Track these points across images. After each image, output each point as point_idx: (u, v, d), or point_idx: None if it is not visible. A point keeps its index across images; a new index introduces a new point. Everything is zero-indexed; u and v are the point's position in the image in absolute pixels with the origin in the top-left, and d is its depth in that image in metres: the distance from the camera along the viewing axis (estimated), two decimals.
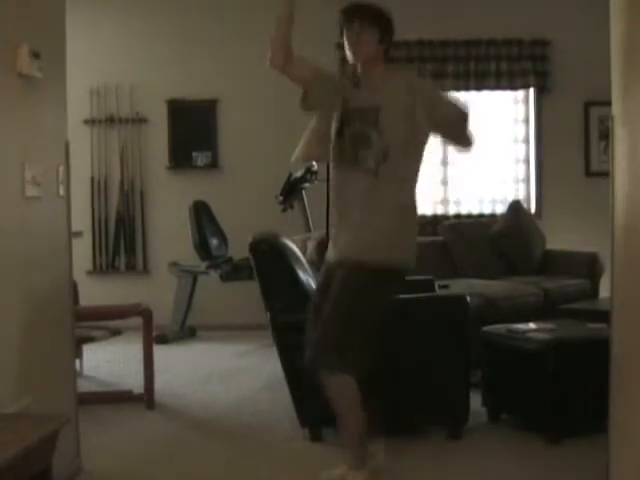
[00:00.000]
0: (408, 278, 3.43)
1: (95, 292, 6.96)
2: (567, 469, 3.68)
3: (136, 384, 5.03)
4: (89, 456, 3.78)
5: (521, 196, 7.76)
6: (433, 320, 4.12)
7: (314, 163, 6.58)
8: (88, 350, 5.62)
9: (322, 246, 5.54)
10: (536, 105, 7.80)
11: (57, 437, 2.80)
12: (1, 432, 2.66)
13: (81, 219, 6.94)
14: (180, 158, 7.79)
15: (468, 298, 4.28)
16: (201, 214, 7.18)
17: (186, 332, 7.25)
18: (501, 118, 7.87)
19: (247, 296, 6.32)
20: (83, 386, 4.82)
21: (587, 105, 7.68)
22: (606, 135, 7.31)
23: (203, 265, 7.12)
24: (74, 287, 4.35)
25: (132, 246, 7.80)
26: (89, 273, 7.69)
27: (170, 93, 7.73)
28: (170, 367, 5.82)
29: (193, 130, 7.82)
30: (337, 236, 3.38)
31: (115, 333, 5.12)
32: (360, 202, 3.27)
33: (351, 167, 3.29)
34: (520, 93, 7.85)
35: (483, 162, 7.81)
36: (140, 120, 7.77)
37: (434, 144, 3.61)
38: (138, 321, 4.92)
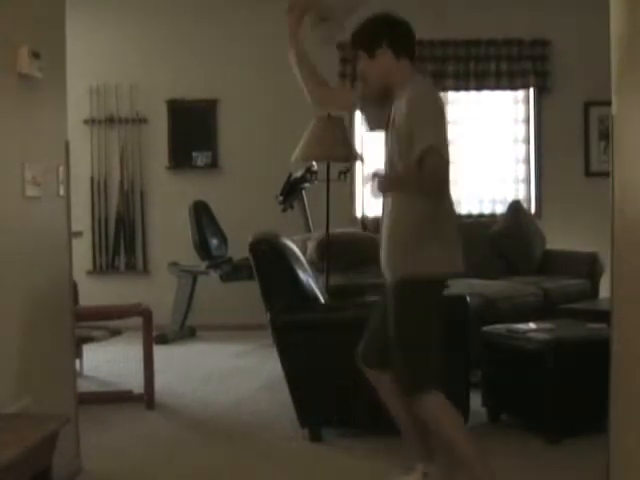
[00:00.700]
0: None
1: (95, 292, 6.96)
2: (567, 469, 3.68)
3: (136, 384, 5.03)
4: (89, 456, 3.78)
5: (521, 196, 7.76)
6: None
7: (314, 163, 6.58)
8: (88, 350, 5.62)
9: (322, 246, 5.55)
10: (536, 105, 7.80)
11: (57, 437, 2.80)
12: (1, 432, 2.66)
13: (81, 219, 6.95)
14: (180, 158, 7.79)
15: (468, 298, 4.28)
16: (201, 214, 7.17)
17: (186, 332, 7.25)
18: (501, 118, 7.87)
19: (247, 296, 6.31)
20: (83, 386, 4.82)
21: (587, 105, 7.68)
22: (606, 135, 7.31)
23: (203, 265, 7.12)
24: (74, 287, 4.35)
25: (132, 246, 7.80)
26: (89, 273, 7.68)
27: (170, 93, 7.73)
28: (170, 367, 5.82)
29: (193, 130, 7.82)
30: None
31: (115, 333, 5.12)
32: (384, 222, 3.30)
33: None
34: (520, 93, 7.84)
35: (483, 162, 7.82)
36: (140, 120, 7.77)
37: None
38: (138, 321, 4.92)
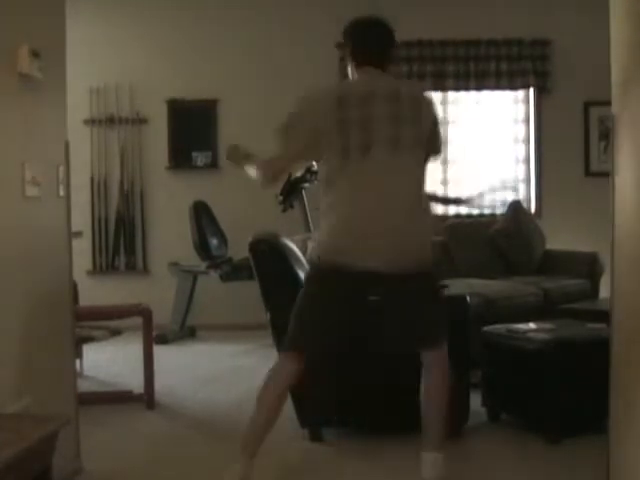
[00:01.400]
0: None
1: (95, 292, 6.96)
2: (567, 469, 3.68)
3: (136, 384, 5.03)
4: (89, 456, 3.77)
5: (521, 196, 7.77)
6: None
7: (314, 163, 6.57)
8: (88, 350, 5.62)
9: None
10: (536, 105, 7.81)
11: (57, 437, 2.80)
12: (1, 432, 2.66)
13: (81, 219, 6.94)
14: (180, 158, 7.79)
15: (468, 298, 4.28)
16: (201, 214, 7.18)
17: (186, 332, 7.25)
18: (501, 118, 7.87)
19: (247, 296, 6.31)
20: (83, 386, 4.82)
21: (587, 105, 7.68)
22: (606, 135, 7.33)
23: (203, 265, 7.12)
24: (74, 287, 4.35)
25: (132, 246, 7.80)
26: (89, 273, 7.69)
27: (170, 93, 7.73)
28: (170, 367, 5.82)
29: (193, 130, 7.82)
30: None
31: (115, 333, 5.11)
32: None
33: None
34: (520, 93, 7.85)
35: (483, 162, 7.82)
36: (140, 120, 7.77)
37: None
38: (138, 321, 4.92)
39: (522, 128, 7.87)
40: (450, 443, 4.05)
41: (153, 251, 7.81)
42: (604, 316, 3.46)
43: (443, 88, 7.71)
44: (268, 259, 4.24)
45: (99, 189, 7.79)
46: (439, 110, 7.69)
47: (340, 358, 3.84)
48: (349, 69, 3.40)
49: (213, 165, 7.77)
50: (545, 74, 7.70)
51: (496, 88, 7.74)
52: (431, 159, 3.40)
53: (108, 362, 6.06)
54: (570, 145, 7.77)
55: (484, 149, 7.84)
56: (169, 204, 7.72)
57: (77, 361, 4.92)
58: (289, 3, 7.65)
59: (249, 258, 4.33)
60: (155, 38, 7.75)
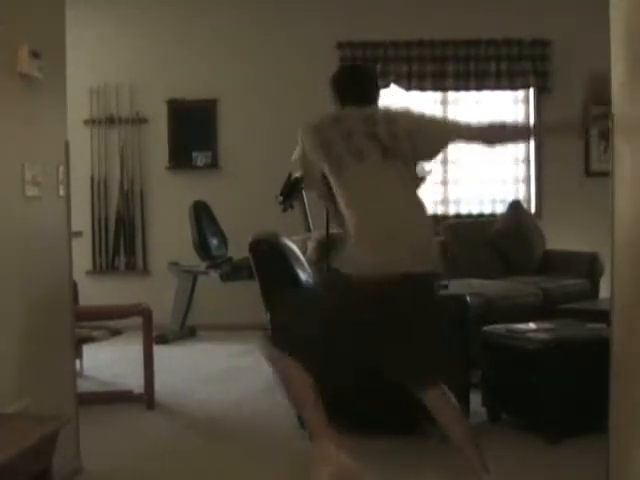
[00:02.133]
0: None
1: (95, 292, 6.96)
2: (567, 469, 3.68)
3: (136, 384, 5.03)
4: (89, 456, 3.78)
5: (521, 196, 7.76)
6: None
7: None
8: (88, 350, 5.62)
9: (322, 246, 5.54)
10: (536, 105, 7.80)
11: (57, 437, 2.80)
12: (1, 432, 2.66)
13: (81, 219, 6.94)
14: (180, 158, 7.79)
15: (468, 298, 4.28)
16: (201, 214, 7.17)
17: (186, 332, 7.25)
18: (501, 118, 7.85)
19: (247, 296, 6.30)
20: (83, 386, 4.82)
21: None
22: (606, 135, 7.31)
23: (203, 265, 7.12)
24: (74, 287, 4.35)
25: (132, 246, 7.80)
26: (89, 273, 7.69)
27: (170, 93, 7.73)
28: (170, 367, 5.82)
29: (193, 130, 7.82)
30: None
31: (115, 333, 5.11)
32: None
33: None
34: (520, 93, 7.85)
35: (483, 162, 7.82)
36: (140, 120, 7.77)
37: None
38: (138, 321, 4.92)
39: None
40: (450, 443, 4.07)
41: (153, 251, 7.80)
42: (604, 316, 3.46)
43: (443, 88, 7.71)
44: (268, 259, 4.24)
45: (99, 189, 7.79)
46: (439, 110, 7.78)
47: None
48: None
49: (213, 165, 7.77)
50: (545, 74, 7.70)
51: (496, 88, 7.74)
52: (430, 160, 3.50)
53: (108, 362, 6.06)
54: (570, 145, 7.76)
55: (484, 149, 7.82)
56: (169, 204, 7.72)
57: (77, 361, 4.91)
58: (289, 3, 7.65)
59: (249, 258, 4.33)
60: (155, 38, 7.74)
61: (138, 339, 4.94)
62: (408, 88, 7.59)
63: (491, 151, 7.79)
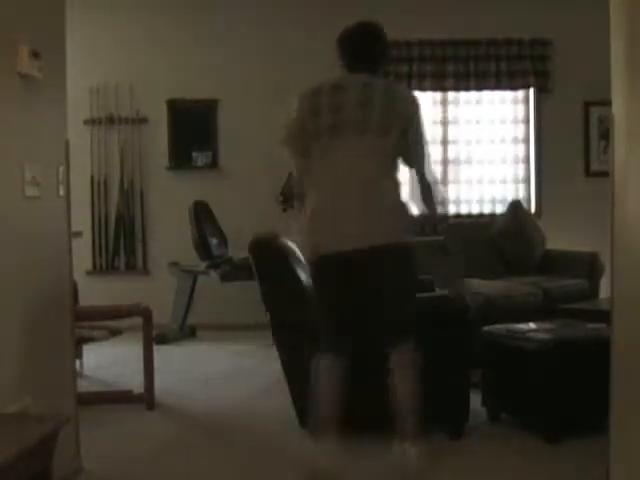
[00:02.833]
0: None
1: (95, 292, 6.95)
2: (567, 469, 3.68)
3: (136, 384, 5.03)
4: (89, 456, 3.77)
5: (521, 196, 7.76)
6: (433, 320, 4.11)
7: None
8: (88, 350, 5.62)
9: None
10: (536, 105, 7.80)
11: (57, 437, 2.80)
12: (1, 432, 2.66)
13: (81, 219, 6.93)
14: (180, 158, 7.79)
15: (468, 298, 4.28)
16: (201, 214, 7.17)
17: (186, 332, 7.25)
18: (501, 118, 7.87)
19: (247, 296, 6.31)
20: (83, 386, 4.82)
21: (587, 105, 7.68)
22: (606, 135, 7.32)
23: (203, 265, 7.11)
24: (74, 287, 4.35)
25: (132, 246, 7.80)
26: (89, 273, 7.69)
27: (170, 93, 7.73)
28: (170, 367, 5.82)
29: (193, 130, 7.82)
30: None
31: (115, 333, 5.11)
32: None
33: None
34: (520, 93, 7.85)
35: (483, 162, 7.82)
36: (140, 120, 7.77)
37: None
38: (138, 321, 4.91)
39: (522, 128, 7.87)
40: (450, 443, 4.07)
41: (153, 251, 7.80)
42: (604, 316, 3.47)
43: (443, 88, 7.71)
44: (268, 259, 4.24)
45: (99, 189, 7.79)
46: (439, 110, 7.79)
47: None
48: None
49: (213, 165, 7.77)
50: (545, 74, 7.70)
51: (496, 88, 7.74)
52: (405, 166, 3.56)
53: (108, 362, 6.05)
54: (570, 145, 7.77)
55: (484, 149, 7.84)
56: (169, 204, 7.72)
57: (77, 361, 4.91)
58: (289, 3, 7.65)
59: (249, 258, 4.33)
60: (155, 38, 7.74)
61: (138, 339, 4.93)
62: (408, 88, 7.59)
63: (491, 151, 7.83)
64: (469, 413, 4.18)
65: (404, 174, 3.55)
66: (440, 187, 3.70)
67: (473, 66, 7.67)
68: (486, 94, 7.80)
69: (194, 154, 7.78)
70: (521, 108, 7.88)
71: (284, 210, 6.92)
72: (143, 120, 7.77)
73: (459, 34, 7.62)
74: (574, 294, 6.05)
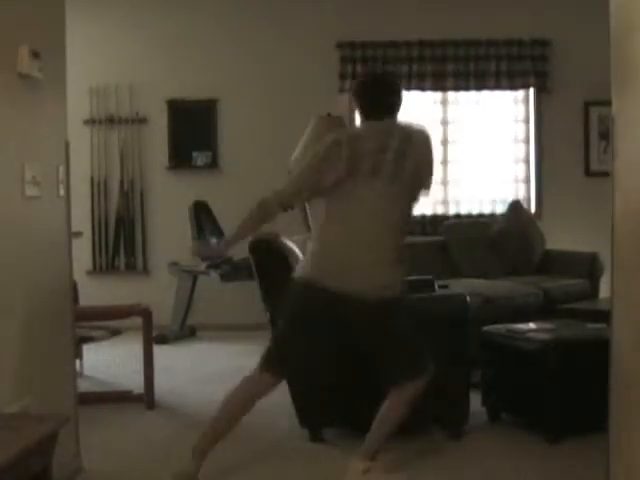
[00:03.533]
0: (409, 278, 3.66)
1: (95, 292, 6.96)
2: (567, 469, 3.68)
3: (136, 384, 5.03)
4: (89, 456, 3.78)
5: (521, 196, 7.76)
6: (433, 320, 4.11)
7: None
8: (88, 350, 5.62)
9: None
10: (536, 105, 7.80)
11: (57, 437, 2.80)
12: (1, 432, 2.66)
13: (81, 219, 6.94)
14: (180, 158, 7.79)
15: (468, 298, 4.28)
16: (201, 214, 7.17)
17: (186, 332, 7.25)
18: (501, 118, 7.87)
19: (247, 296, 6.31)
20: (83, 386, 4.82)
21: (587, 105, 7.68)
22: (606, 135, 7.32)
23: (203, 265, 7.11)
24: (74, 287, 4.35)
25: (132, 246, 7.80)
26: (89, 273, 7.69)
27: (170, 93, 7.73)
28: (170, 367, 5.82)
29: (193, 130, 7.82)
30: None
31: (115, 333, 5.11)
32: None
33: None
34: (520, 93, 7.85)
35: (483, 162, 7.82)
36: (140, 120, 7.77)
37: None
38: (138, 321, 4.92)
39: (522, 128, 7.87)
40: (450, 443, 4.07)
41: (153, 251, 7.80)
42: (604, 316, 3.46)
43: (443, 88, 7.71)
44: (268, 259, 4.24)
45: (99, 189, 7.79)
46: (439, 110, 7.79)
47: (339, 359, 3.84)
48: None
49: (213, 165, 7.77)
50: (545, 74, 7.70)
51: (496, 88, 7.74)
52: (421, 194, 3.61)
53: (108, 362, 6.05)
54: (570, 145, 7.76)
55: (484, 149, 7.84)
56: (169, 204, 7.72)
57: (77, 361, 4.91)
58: (289, 3, 7.65)
59: (249, 258, 4.33)
60: (155, 38, 7.74)
61: (138, 339, 4.94)
62: (408, 88, 7.58)
63: (491, 151, 7.82)
64: (469, 413, 4.18)
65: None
66: None
67: (473, 66, 7.67)
68: (486, 94, 7.79)
69: (194, 154, 7.77)
70: (521, 108, 7.87)
71: (284, 210, 6.91)
72: (143, 120, 7.77)
73: (459, 34, 7.62)
74: (574, 294, 6.05)
